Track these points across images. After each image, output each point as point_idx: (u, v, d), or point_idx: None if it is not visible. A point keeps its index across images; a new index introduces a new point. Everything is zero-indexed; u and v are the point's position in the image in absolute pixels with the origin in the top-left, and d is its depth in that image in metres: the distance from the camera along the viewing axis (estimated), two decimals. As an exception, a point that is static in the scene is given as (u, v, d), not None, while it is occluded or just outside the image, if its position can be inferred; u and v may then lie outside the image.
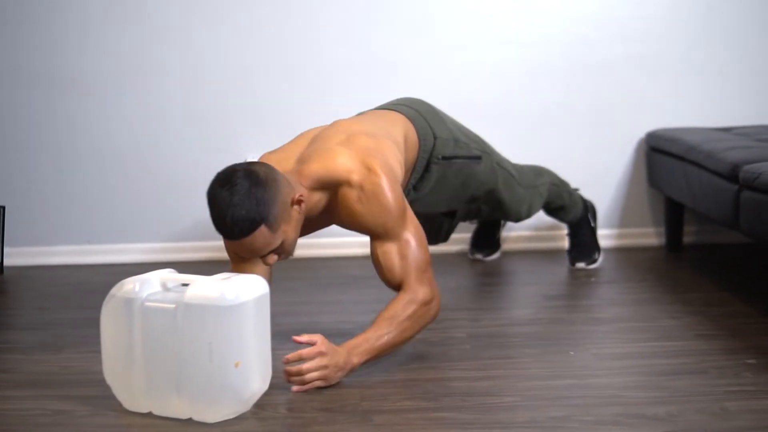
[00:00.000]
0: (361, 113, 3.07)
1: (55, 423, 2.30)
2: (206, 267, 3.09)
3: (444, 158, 3.01)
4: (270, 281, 2.74)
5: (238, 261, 2.71)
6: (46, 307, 3.41)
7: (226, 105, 3.99)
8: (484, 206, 3.35)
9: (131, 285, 2.28)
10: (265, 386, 2.34)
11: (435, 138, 2.99)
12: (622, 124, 4.04)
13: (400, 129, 2.90)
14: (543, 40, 3.99)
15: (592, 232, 3.78)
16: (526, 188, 3.42)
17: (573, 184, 3.77)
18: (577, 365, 2.65)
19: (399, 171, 2.73)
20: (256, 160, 2.73)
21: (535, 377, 2.57)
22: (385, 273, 2.64)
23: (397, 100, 3.15)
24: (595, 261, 3.75)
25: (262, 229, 2.40)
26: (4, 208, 3.91)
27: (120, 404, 2.35)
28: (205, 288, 2.22)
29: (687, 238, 4.05)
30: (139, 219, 4.03)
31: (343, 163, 2.61)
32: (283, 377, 2.45)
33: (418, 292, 2.59)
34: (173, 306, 2.23)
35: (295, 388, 2.44)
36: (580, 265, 3.74)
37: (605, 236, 4.03)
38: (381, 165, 2.62)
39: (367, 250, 4.00)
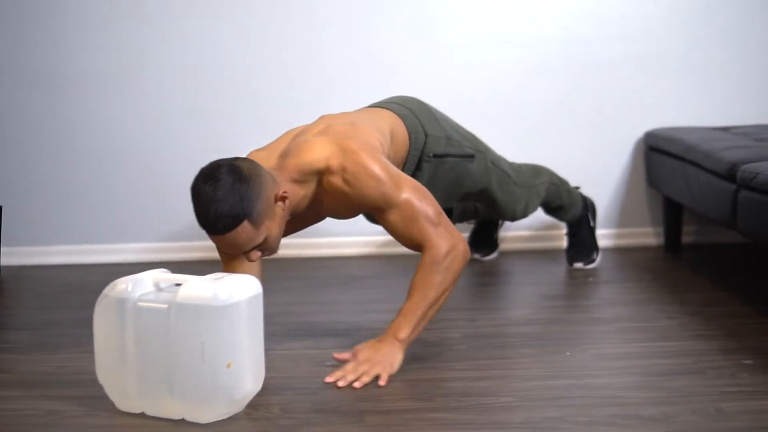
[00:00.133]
0: (351, 111, 3.07)
1: (47, 423, 2.30)
2: (205, 266, 3.09)
3: (435, 156, 3.00)
4: (260, 278, 2.74)
5: (228, 258, 2.72)
6: (44, 306, 3.41)
7: (226, 105, 3.99)
8: (479, 204, 3.34)
9: (124, 285, 2.28)
10: (258, 387, 2.33)
11: (426, 136, 2.98)
12: (622, 123, 4.03)
13: (386, 124, 2.88)
14: (542, 40, 3.99)
15: (591, 231, 3.78)
16: (523, 188, 3.41)
17: (572, 184, 3.77)
18: (575, 365, 2.65)
19: (379, 148, 2.70)
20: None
21: (531, 377, 2.56)
22: (403, 241, 2.65)
23: (391, 98, 3.14)
24: (593, 261, 3.75)
25: (245, 225, 2.39)
26: (0, 207, 3.91)
27: (113, 405, 2.34)
28: (197, 288, 2.21)
29: (686, 238, 4.05)
30: (137, 219, 4.03)
31: (319, 151, 2.60)
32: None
33: (437, 246, 2.58)
34: (166, 306, 2.22)
35: (357, 384, 2.48)
36: (578, 265, 3.74)
37: (604, 236, 4.03)
38: (358, 143, 2.61)
39: (365, 251, 4.00)
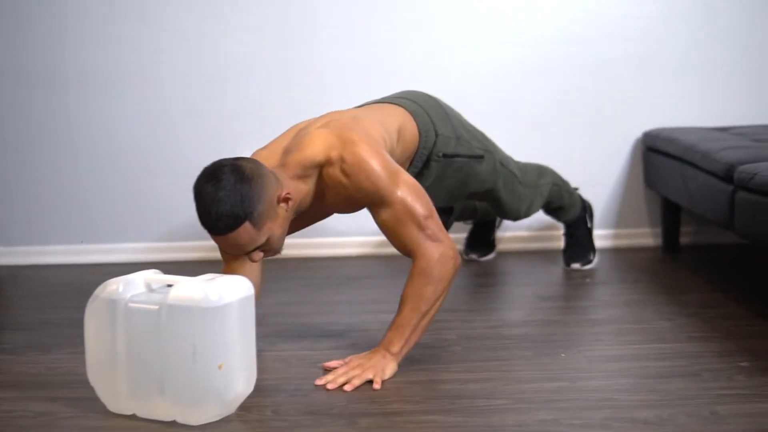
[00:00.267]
0: (360, 105, 3.05)
1: (37, 425, 2.29)
2: (203, 267, 3.07)
3: (445, 156, 2.97)
4: (260, 279, 2.74)
5: (230, 259, 2.70)
6: (40, 306, 3.40)
7: (226, 105, 3.99)
8: (481, 203, 3.32)
9: (115, 286, 2.26)
10: (250, 388, 2.32)
11: (437, 135, 2.94)
12: (621, 123, 4.02)
13: (394, 120, 2.84)
14: (542, 40, 3.98)
15: (589, 233, 3.77)
16: (528, 187, 3.39)
17: (571, 184, 3.76)
18: (570, 367, 2.63)
19: (381, 142, 2.67)
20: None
21: (526, 380, 2.55)
22: (393, 243, 2.63)
23: (401, 93, 3.09)
24: (590, 262, 3.74)
25: (246, 226, 2.37)
26: (-2, 207, 3.92)
27: (104, 406, 2.33)
28: (188, 289, 2.20)
29: (684, 239, 4.03)
30: (135, 218, 4.03)
31: (320, 143, 2.57)
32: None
33: (427, 256, 2.56)
34: (157, 307, 2.21)
35: (347, 387, 2.48)
36: (575, 265, 3.72)
37: (601, 237, 4.01)
38: (359, 134, 2.58)
39: (364, 251, 3.99)
